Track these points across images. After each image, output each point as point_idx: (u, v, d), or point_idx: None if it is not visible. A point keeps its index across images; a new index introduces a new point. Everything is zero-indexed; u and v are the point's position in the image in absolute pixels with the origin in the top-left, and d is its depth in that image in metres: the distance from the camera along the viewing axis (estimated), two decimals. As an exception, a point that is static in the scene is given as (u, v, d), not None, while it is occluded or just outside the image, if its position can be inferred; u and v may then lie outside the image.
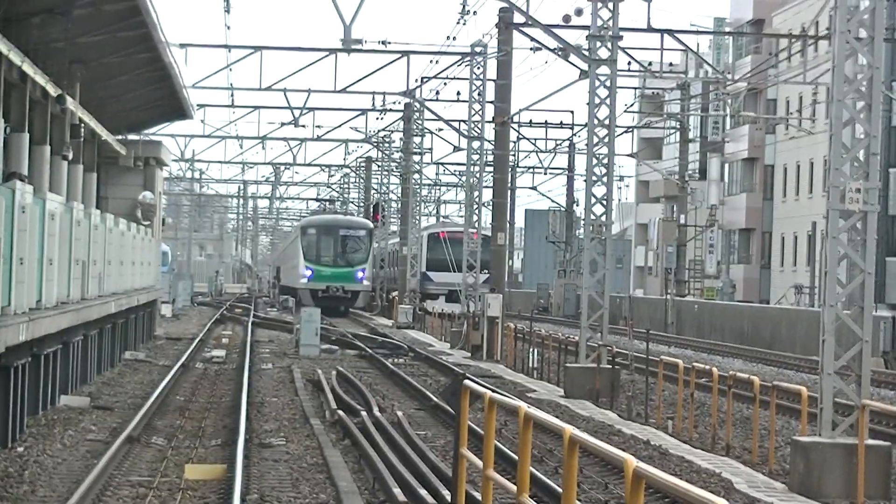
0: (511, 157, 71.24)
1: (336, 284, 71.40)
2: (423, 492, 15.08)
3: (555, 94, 47.42)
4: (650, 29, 33.55)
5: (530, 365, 35.84)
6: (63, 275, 22.46)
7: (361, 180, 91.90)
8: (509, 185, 72.62)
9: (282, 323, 57.49)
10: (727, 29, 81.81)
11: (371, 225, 74.51)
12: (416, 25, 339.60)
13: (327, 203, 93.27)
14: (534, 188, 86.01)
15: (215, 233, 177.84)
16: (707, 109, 74.68)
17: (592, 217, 30.47)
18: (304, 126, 55.77)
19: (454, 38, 45.65)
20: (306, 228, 73.77)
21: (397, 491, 15.06)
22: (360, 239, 72.65)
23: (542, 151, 73.92)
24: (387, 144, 75.86)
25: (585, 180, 31.06)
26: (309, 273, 71.83)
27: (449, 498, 14.20)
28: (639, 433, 22.28)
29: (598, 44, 29.92)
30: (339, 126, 58.65)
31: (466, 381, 13.32)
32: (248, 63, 70.10)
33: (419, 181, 75.37)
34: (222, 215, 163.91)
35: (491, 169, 50.11)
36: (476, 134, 47.96)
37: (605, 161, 30.54)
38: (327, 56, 42.36)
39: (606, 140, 30.58)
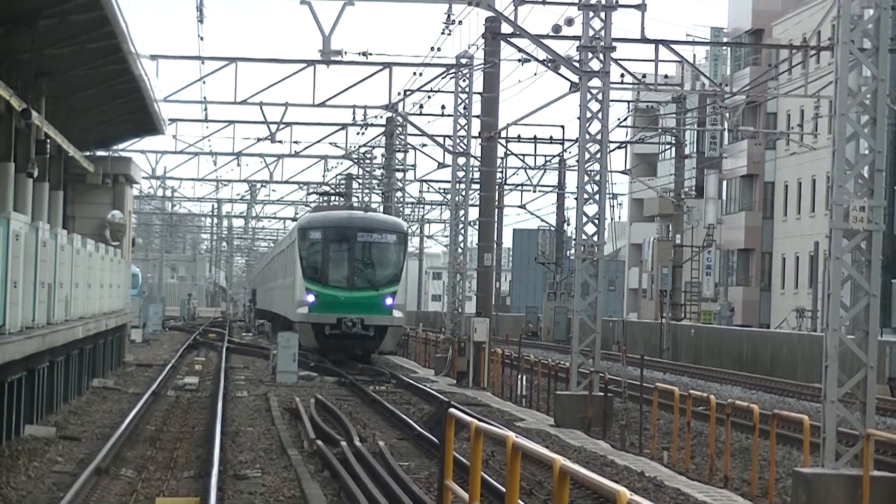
0: (498, 174, 70.49)
1: (353, 316, 45.27)
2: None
3: (544, 108, 46.96)
4: (644, 39, 33.07)
5: (518, 392, 35.56)
6: (28, 298, 22.15)
7: (341, 199, 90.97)
8: (496, 203, 72.26)
9: (258, 348, 56.90)
10: (725, 39, 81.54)
11: (404, 226, 48.50)
12: (398, 36, 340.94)
13: (332, 198, 61.66)
14: (522, 206, 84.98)
15: (188, 254, 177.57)
16: (704, 124, 74.31)
17: (584, 237, 30.28)
18: (281, 141, 55.47)
19: (439, 49, 44.90)
20: (307, 231, 47.35)
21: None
22: (389, 247, 46.80)
23: (530, 168, 73.25)
24: (368, 161, 75.24)
25: (576, 198, 30.95)
26: (311, 299, 45.79)
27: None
28: (633, 464, 22.00)
29: (590, 55, 29.65)
30: (318, 141, 58.26)
31: (452, 410, 13.07)
32: (222, 75, 69.43)
33: (402, 199, 74.74)
34: (195, 235, 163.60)
35: (477, 186, 49.82)
36: (462, 150, 47.42)
37: (597, 178, 30.44)
38: (305, 68, 41.90)
39: (598, 156, 30.40)
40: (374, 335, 45.45)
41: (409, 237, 48.38)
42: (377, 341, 45.75)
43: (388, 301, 45.79)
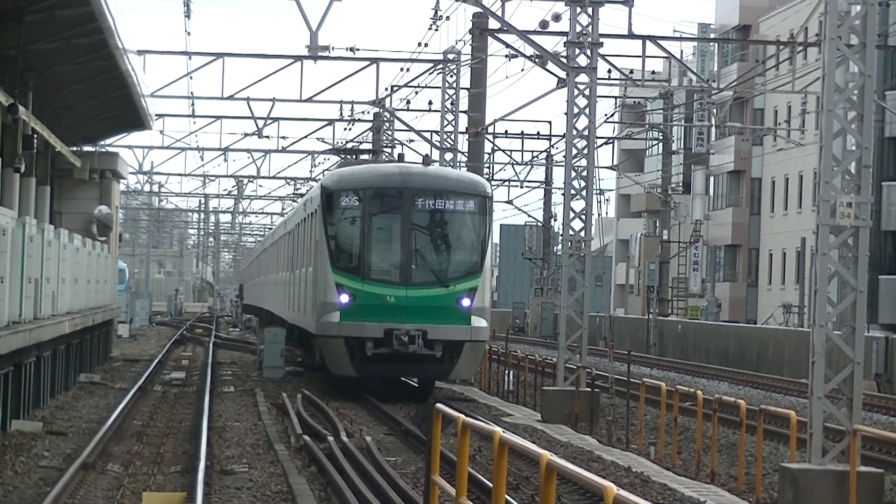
0: (485, 170, 70.23)
1: (410, 327, 30.35)
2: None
3: (531, 104, 47.04)
4: (631, 35, 33.08)
5: (505, 388, 35.36)
6: (15, 293, 22.06)
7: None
8: (484, 199, 71.74)
9: (244, 343, 56.78)
10: (712, 35, 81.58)
11: (487, 186, 32.24)
12: (385, 32, 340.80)
13: (355, 156, 43.45)
14: (509, 202, 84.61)
15: (175, 249, 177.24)
16: (691, 119, 74.38)
17: (571, 232, 30.27)
18: (268, 137, 55.15)
19: (426, 45, 44.79)
20: (338, 195, 31.35)
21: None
22: (464, 219, 31.43)
23: (517, 164, 73.08)
24: (355, 156, 74.87)
25: (563, 194, 30.96)
26: (345, 301, 30.67)
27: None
28: (619, 459, 21.93)
29: (577, 51, 29.64)
30: (305, 137, 57.98)
31: (438, 405, 12.96)
32: (209, 71, 69.47)
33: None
34: (182, 231, 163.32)
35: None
36: (449, 145, 47.37)
37: (584, 174, 30.53)
38: (293, 63, 41.85)
39: (585, 152, 30.47)
40: (442, 356, 29.73)
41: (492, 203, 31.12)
42: (448, 365, 29.95)
43: (465, 302, 29.94)
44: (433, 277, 30.33)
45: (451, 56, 45.09)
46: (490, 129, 54.32)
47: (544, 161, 77.23)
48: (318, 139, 60.26)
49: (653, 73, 43.32)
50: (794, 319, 68.09)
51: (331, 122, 56.29)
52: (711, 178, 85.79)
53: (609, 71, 38.20)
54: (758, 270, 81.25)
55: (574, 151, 30.29)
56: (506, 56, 39.64)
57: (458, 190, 30.90)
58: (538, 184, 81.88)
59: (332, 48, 36.53)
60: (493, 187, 60.02)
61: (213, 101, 46.13)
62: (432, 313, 30.01)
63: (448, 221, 30.75)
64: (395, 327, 29.76)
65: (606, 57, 35.55)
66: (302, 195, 54.12)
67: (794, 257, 74.18)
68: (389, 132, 63.48)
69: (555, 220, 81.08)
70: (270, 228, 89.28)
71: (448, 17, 38.10)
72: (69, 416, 26.61)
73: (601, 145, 65.22)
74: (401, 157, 34.58)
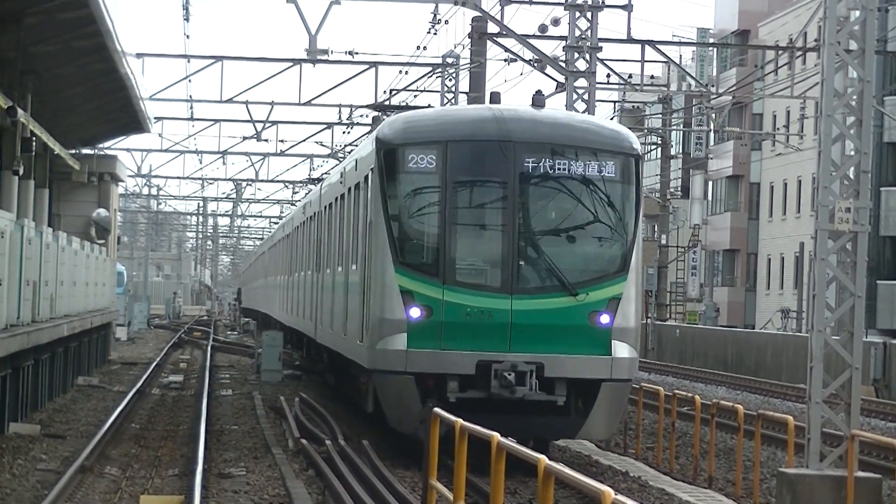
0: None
1: (518, 358, 19.43)
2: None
3: (531, 108, 46.75)
4: (630, 40, 33.06)
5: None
6: (13, 296, 22.05)
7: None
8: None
9: (242, 347, 56.76)
10: (711, 40, 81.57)
11: (635, 141, 20.44)
12: (384, 35, 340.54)
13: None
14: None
15: (173, 252, 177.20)
16: (690, 124, 74.33)
17: None
18: (266, 140, 55.23)
19: (425, 49, 44.84)
20: (408, 152, 19.96)
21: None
22: (603, 188, 20.04)
23: (518, 168, 72.88)
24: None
25: None
26: (416, 316, 19.64)
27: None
28: (617, 464, 21.85)
29: (576, 55, 29.63)
30: (304, 140, 58.06)
31: (436, 409, 12.89)
32: (208, 74, 69.36)
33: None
34: (181, 234, 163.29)
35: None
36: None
37: None
38: (291, 67, 41.86)
39: None
40: (567, 403, 19.72)
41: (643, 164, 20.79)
42: (575, 417, 19.84)
43: (604, 319, 19.75)
44: (554, 281, 19.61)
45: (450, 60, 45.08)
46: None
47: (544, 166, 77.15)
48: (316, 143, 60.32)
49: (651, 77, 43.39)
50: (793, 324, 68.10)
51: (329, 125, 56.30)
52: (710, 183, 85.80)
53: (608, 75, 38.16)
54: (756, 275, 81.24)
55: (573, 156, 30.26)
56: (505, 60, 39.69)
57: (593, 144, 20.02)
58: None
59: (331, 52, 36.52)
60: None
61: (212, 104, 46.35)
62: (552, 337, 19.53)
63: (577, 193, 19.88)
64: (495, 358, 19.27)
65: (605, 61, 35.47)
66: (320, 180, 39.09)
67: (792, 262, 74.18)
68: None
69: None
70: (270, 230, 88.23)
71: (447, 21, 38.12)
72: (67, 418, 26.58)
73: (600, 150, 65.01)
74: (495, 98, 21.26)
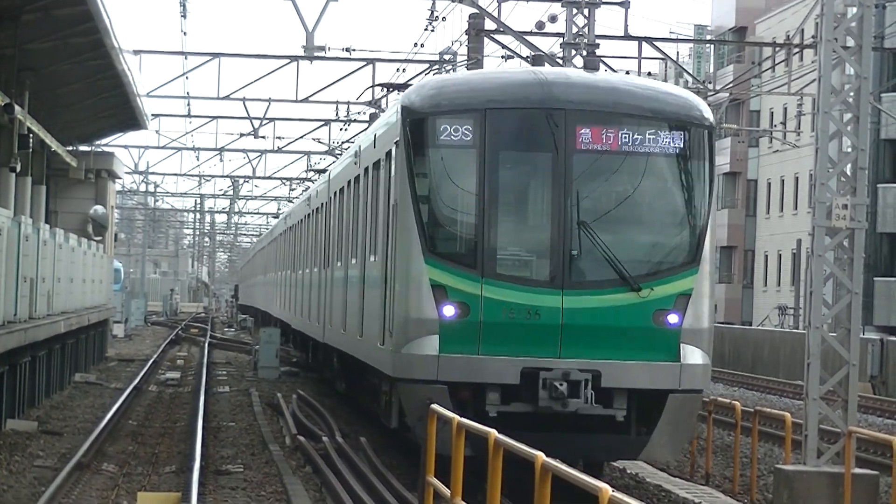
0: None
1: (571, 365, 16.67)
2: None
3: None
4: (627, 37, 33.05)
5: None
6: (10, 292, 22.02)
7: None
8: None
9: (240, 344, 56.75)
10: (708, 37, 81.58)
11: (706, 109, 17.49)
12: (382, 32, 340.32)
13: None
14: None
15: (170, 249, 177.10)
16: (686, 121, 74.23)
17: None
18: (263, 137, 55.20)
19: (422, 46, 44.82)
20: (440, 122, 17.14)
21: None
22: (669, 165, 17.30)
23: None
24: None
25: None
26: (451, 313, 16.84)
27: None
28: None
29: (573, 52, 29.59)
30: (301, 137, 58.06)
31: (434, 406, 12.83)
32: (205, 71, 69.55)
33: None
34: (178, 231, 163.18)
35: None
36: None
37: None
38: (289, 64, 41.84)
39: None
40: (627, 418, 17.10)
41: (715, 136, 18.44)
42: (636, 436, 17.17)
43: (672, 319, 17.17)
44: (612, 274, 16.91)
45: (447, 57, 45.02)
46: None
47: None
48: (313, 139, 60.30)
49: (649, 74, 43.34)
50: (790, 321, 68.12)
51: (327, 122, 56.29)
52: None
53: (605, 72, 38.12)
54: (753, 272, 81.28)
55: (571, 152, 30.23)
56: (502, 57, 39.56)
57: (659, 112, 17.29)
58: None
59: (329, 49, 36.50)
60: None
61: (209, 101, 46.31)
62: (611, 340, 16.89)
63: (640, 170, 17.22)
64: (543, 365, 16.63)
65: (602, 58, 35.49)
66: (324, 171, 36.83)
67: (789, 259, 74.22)
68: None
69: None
70: (268, 226, 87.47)
71: (444, 18, 38.02)
72: (64, 415, 26.57)
73: (598, 146, 65.00)
74: (538, 61, 18.96)
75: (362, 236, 21.32)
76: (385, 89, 42.51)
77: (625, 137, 16.98)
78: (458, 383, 16.58)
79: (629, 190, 16.99)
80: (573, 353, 16.55)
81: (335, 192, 26.42)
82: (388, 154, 18.47)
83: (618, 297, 16.73)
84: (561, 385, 16.33)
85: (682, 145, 17.09)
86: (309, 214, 33.02)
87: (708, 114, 17.36)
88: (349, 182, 23.72)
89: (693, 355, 16.78)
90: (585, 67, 18.19)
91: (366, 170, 21.09)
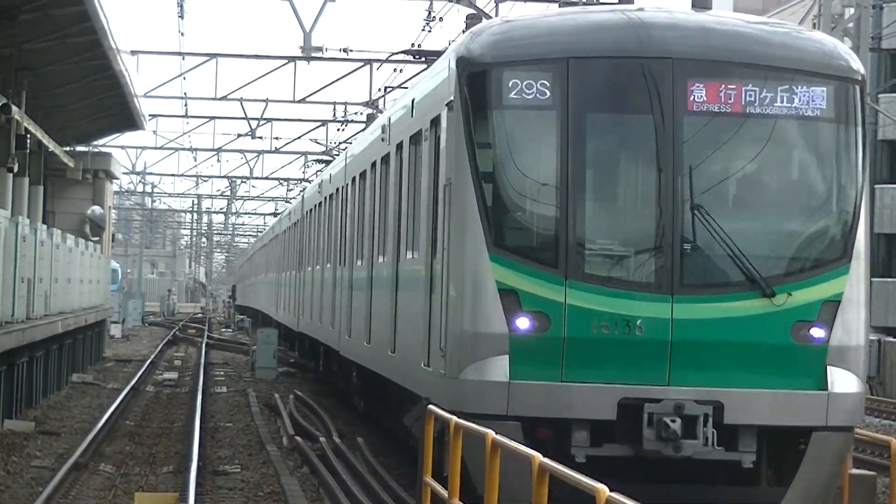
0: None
1: (681, 393, 12.59)
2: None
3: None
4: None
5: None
6: (7, 293, 22.03)
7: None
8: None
9: (237, 344, 56.77)
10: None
11: (854, 61, 13.27)
12: (379, 33, 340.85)
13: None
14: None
15: (168, 249, 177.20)
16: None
17: None
18: (261, 138, 55.15)
19: (419, 46, 44.97)
20: (508, 75, 12.91)
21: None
22: (808, 131, 13.05)
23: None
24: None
25: None
26: (526, 325, 12.69)
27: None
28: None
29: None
30: (299, 138, 58.08)
31: (431, 406, 12.75)
32: (202, 71, 69.61)
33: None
34: (175, 231, 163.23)
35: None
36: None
37: None
38: (286, 64, 41.85)
39: None
40: (756, 464, 12.89)
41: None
42: (766, 486, 13.05)
43: (816, 333, 12.96)
44: (738, 275, 13.01)
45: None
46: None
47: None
48: (311, 140, 60.35)
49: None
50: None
51: (324, 123, 56.31)
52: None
53: (602, 73, 38.11)
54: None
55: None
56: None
57: (795, 63, 13.25)
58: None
59: (326, 49, 36.50)
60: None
61: (207, 101, 46.44)
62: (736, 361, 12.98)
63: (772, 139, 13.19)
64: (648, 395, 12.78)
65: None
66: (322, 163, 32.91)
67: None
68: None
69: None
70: (265, 226, 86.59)
71: (442, 19, 38.03)
72: (61, 416, 26.57)
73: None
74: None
75: (393, 229, 17.57)
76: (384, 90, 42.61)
77: (750, 95, 13.05)
78: (536, 419, 12.72)
79: (757, 164, 13.10)
80: (687, 380, 12.76)
81: (356, 176, 22.42)
82: (435, 121, 14.47)
83: (745, 304, 12.90)
84: (673, 422, 12.53)
85: (826, 105, 13.19)
86: (319, 204, 29.21)
87: (857, 65, 13.43)
88: (373, 164, 19.90)
89: (843, 381, 13.07)
90: (695, 6, 13.94)
91: (398, 146, 17.40)
